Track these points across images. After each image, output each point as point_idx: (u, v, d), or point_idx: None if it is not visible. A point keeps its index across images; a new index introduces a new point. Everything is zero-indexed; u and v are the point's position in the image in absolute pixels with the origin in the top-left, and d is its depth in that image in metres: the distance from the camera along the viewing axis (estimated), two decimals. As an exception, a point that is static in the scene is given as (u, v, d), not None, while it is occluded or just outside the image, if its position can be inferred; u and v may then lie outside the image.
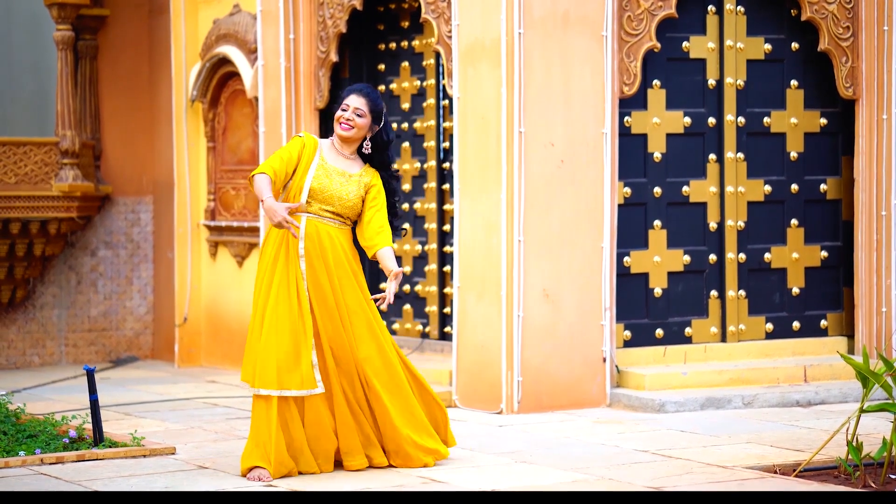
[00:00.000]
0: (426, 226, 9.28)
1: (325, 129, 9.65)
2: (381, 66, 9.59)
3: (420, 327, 9.34)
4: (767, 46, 8.83)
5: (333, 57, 9.39)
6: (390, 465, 6.40)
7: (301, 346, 6.24)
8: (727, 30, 8.73)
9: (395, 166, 6.88)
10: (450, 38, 8.44)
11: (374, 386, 6.32)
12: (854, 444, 6.02)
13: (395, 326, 9.53)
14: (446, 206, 9.12)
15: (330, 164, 6.36)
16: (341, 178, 6.35)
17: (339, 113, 6.38)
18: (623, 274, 8.49)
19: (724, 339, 8.77)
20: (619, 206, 8.45)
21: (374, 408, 6.36)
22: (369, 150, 6.44)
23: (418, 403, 6.44)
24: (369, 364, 6.32)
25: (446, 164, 9.14)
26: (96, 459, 6.66)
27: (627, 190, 8.54)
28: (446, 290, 9.10)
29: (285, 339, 6.24)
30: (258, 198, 6.27)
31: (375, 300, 6.35)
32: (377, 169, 6.48)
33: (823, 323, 8.99)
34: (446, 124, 9.10)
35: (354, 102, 6.34)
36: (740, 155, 8.79)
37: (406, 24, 9.37)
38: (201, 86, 10.44)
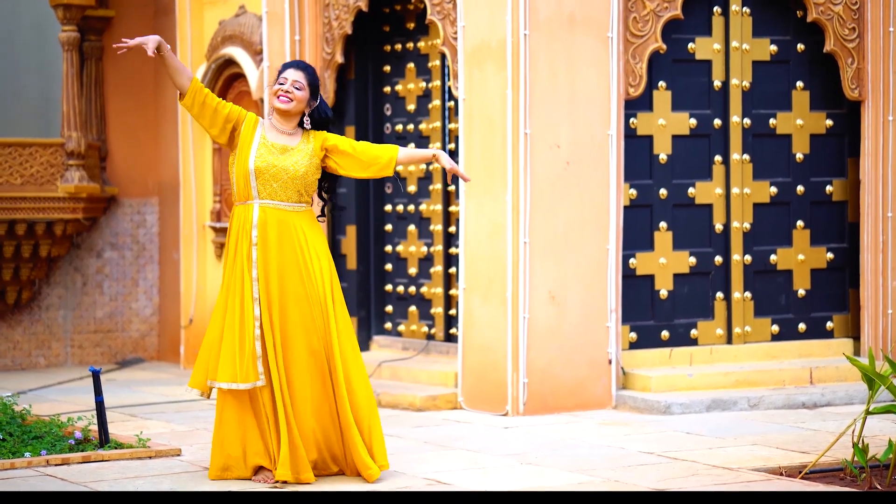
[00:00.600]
0: (432, 227, 9.28)
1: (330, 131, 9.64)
2: (387, 68, 9.59)
3: (425, 329, 9.34)
4: (773, 48, 8.82)
5: (339, 58, 9.39)
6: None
7: (245, 338, 6.08)
8: (733, 31, 8.72)
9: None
10: (455, 39, 8.44)
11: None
12: (860, 445, 6.01)
13: (401, 328, 9.54)
14: (452, 208, 9.12)
15: (270, 141, 6.19)
16: (287, 154, 6.19)
17: (276, 87, 6.21)
18: (629, 275, 8.49)
19: (729, 340, 8.76)
20: (625, 207, 8.44)
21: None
22: (309, 126, 6.30)
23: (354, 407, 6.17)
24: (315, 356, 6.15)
25: (452, 166, 9.12)
26: (102, 461, 6.67)
27: (633, 191, 8.53)
28: (452, 291, 9.10)
29: (230, 332, 6.12)
30: (174, 69, 6.11)
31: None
32: None
33: (829, 325, 8.98)
34: (452, 126, 9.09)
35: (293, 76, 6.21)
36: (746, 156, 8.78)
37: (412, 25, 9.37)
38: (207, 86, 10.43)
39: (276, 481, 6.08)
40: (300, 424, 6.11)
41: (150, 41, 6.13)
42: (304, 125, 6.29)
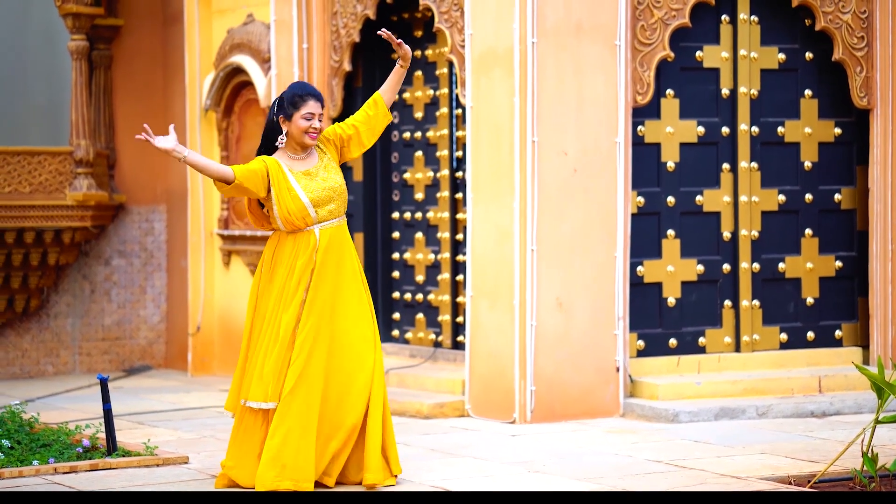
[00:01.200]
0: (439, 235, 9.28)
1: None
2: (395, 76, 9.58)
3: (433, 336, 9.33)
4: (781, 56, 8.81)
5: (347, 66, 9.40)
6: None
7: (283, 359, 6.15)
8: (741, 39, 8.71)
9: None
10: (463, 47, 8.44)
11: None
12: (869, 455, 6.00)
13: (408, 335, 9.53)
14: (459, 216, 9.11)
15: (298, 171, 6.25)
16: (319, 176, 6.26)
17: (303, 123, 6.20)
18: (636, 283, 8.48)
19: (738, 349, 8.74)
20: (633, 215, 8.43)
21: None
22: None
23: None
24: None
25: (459, 174, 9.13)
26: (109, 469, 6.67)
27: (641, 199, 8.53)
28: (459, 299, 9.09)
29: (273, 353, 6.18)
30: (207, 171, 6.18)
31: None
32: None
33: (838, 333, 8.96)
34: (459, 133, 9.10)
35: (317, 109, 6.25)
36: (754, 164, 8.77)
37: (419, 33, 9.38)
38: (215, 95, 10.46)
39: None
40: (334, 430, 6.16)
41: (168, 145, 6.22)
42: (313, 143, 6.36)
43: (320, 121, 6.27)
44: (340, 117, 9.53)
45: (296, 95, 6.25)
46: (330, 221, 6.26)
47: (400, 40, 6.41)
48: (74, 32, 10.46)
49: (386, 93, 6.44)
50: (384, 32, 6.48)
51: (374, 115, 6.40)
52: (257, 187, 6.19)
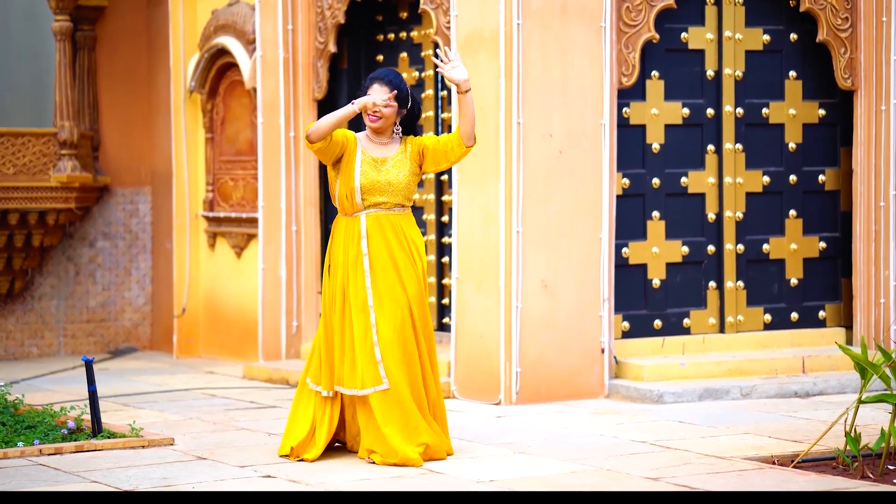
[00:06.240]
0: (424, 217, 9.28)
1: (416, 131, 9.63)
2: (380, 57, 9.58)
3: (418, 318, 9.33)
4: (766, 37, 8.82)
5: (332, 48, 9.38)
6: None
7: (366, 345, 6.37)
8: (726, 21, 8.72)
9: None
10: (448, 28, 8.43)
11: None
12: (852, 434, 6.03)
13: (394, 317, 9.53)
14: (445, 197, 9.12)
15: (370, 155, 6.44)
16: (386, 166, 6.43)
17: (364, 100, 6.40)
18: (621, 265, 8.49)
19: (722, 330, 8.77)
20: (618, 197, 8.45)
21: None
22: (400, 134, 6.53)
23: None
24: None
25: (445, 155, 9.12)
26: (95, 450, 6.67)
27: (626, 181, 8.54)
28: (445, 280, 9.10)
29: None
30: (338, 123, 6.29)
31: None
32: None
33: (822, 314, 8.99)
34: (445, 115, 9.09)
35: (380, 93, 6.41)
36: (739, 146, 8.78)
37: (404, 14, 9.36)
38: (200, 76, 10.43)
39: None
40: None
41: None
42: (396, 133, 6.51)
43: (386, 106, 6.39)
44: (325, 99, 9.52)
45: (368, 78, 6.49)
46: (377, 210, 6.40)
47: (445, 65, 6.39)
48: (58, 13, 10.41)
49: (461, 125, 6.44)
50: (440, 53, 6.51)
51: (446, 140, 6.48)
52: (332, 154, 6.38)
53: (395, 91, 6.42)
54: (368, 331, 6.33)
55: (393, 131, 6.52)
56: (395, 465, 6.21)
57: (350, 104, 6.37)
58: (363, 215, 6.41)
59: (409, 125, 6.60)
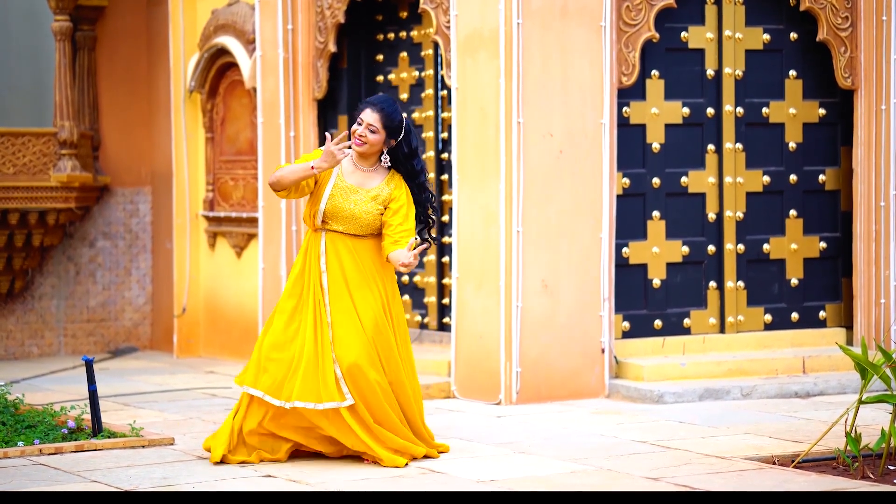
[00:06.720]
0: (425, 216, 9.28)
1: (323, 120, 9.64)
2: (380, 57, 9.58)
3: (419, 318, 9.34)
4: (766, 36, 8.82)
5: (332, 47, 9.38)
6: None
7: (325, 361, 6.27)
8: (726, 20, 8.72)
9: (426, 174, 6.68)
10: (448, 28, 8.43)
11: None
12: (853, 435, 6.03)
13: (394, 317, 9.53)
14: (445, 197, 9.11)
15: (346, 182, 6.34)
16: (356, 196, 6.32)
17: (354, 126, 6.34)
18: (622, 265, 8.49)
19: (722, 330, 8.77)
20: (618, 196, 8.44)
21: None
22: (388, 165, 6.40)
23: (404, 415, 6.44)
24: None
25: (445, 155, 9.13)
26: (95, 450, 6.67)
27: (626, 181, 8.54)
28: (445, 280, 9.10)
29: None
30: (300, 178, 6.23)
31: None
32: (405, 178, 6.42)
33: (822, 314, 8.99)
34: (445, 115, 9.09)
35: (368, 118, 6.29)
36: (739, 145, 8.78)
37: (404, 14, 9.36)
38: (199, 76, 10.43)
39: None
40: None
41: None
42: (383, 163, 6.39)
43: (373, 132, 6.27)
44: (325, 99, 9.52)
45: (363, 102, 6.39)
46: (339, 232, 6.34)
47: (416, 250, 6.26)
48: (58, 13, 10.42)
49: (397, 252, 6.30)
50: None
51: (398, 220, 6.30)
52: (303, 195, 6.38)
53: (381, 116, 6.25)
54: (327, 346, 6.24)
55: (380, 160, 6.38)
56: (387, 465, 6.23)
57: (311, 165, 6.21)
58: (323, 234, 6.36)
59: (401, 158, 6.38)
